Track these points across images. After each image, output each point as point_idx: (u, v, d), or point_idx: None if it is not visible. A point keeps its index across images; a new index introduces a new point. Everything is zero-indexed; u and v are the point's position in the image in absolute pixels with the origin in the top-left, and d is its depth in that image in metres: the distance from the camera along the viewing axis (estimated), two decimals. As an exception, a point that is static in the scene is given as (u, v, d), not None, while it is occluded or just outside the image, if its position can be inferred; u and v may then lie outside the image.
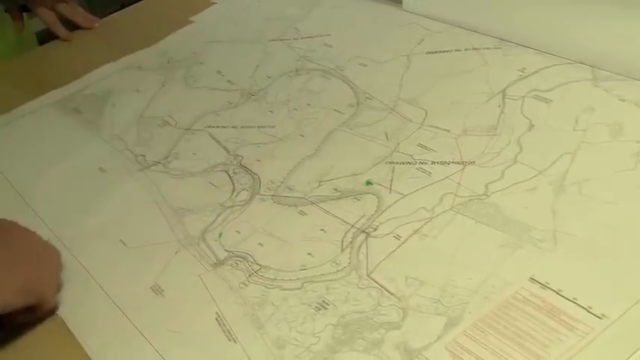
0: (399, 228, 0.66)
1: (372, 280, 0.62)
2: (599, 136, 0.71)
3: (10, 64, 1.12)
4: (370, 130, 0.80)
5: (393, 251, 0.64)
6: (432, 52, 0.90)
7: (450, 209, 0.67)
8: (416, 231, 0.65)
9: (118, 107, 0.94)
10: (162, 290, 0.65)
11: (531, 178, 0.68)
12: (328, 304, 0.60)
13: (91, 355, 0.61)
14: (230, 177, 0.77)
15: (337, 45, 0.97)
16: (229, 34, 1.06)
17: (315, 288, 0.62)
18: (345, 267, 0.63)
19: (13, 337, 0.63)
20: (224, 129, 0.85)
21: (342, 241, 0.66)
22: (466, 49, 0.89)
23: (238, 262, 0.66)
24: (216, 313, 0.62)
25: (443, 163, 0.72)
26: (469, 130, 0.76)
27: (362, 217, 0.68)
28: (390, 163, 0.74)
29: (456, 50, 0.89)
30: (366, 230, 0.66)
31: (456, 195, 0.68)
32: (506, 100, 0.79)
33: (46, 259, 0.68)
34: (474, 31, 0.92)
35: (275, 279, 0.64)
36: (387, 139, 0.77)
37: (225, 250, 0.68)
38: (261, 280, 0.64)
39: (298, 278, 0.63)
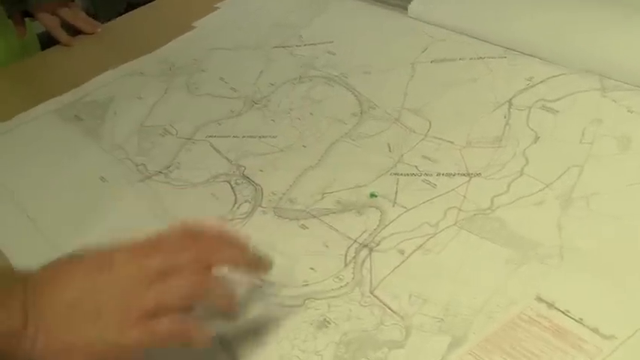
0: (402, 243, 0.65)
1: (375, 297, 0.60)
2: (607, 149, 0.70)
3: (10, 69, 1.11)
4: (373, 141, 0.78)
5: (397, 267, 0.63)
6: (437, 61, 0.89)
7: (454, 224, 0.66)
8: (419, 246, 0.64)
9: (119, 115, 0.93)
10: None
11: (538, 192, 0.67)
12: (329, 322, 0.59)
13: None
14: (232, 188, 0.76)
15: (341, 52, 0.96)
16: (232, 41, 1.05)
17: (317, 305, 0.61)
18: (348, 283, 0.62)
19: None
20: (225, 139, 0.84)
21: (346, 256, 0.65)
22: (471, 58, 0.87)
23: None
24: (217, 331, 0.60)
25: (448, 174, 0.71)
26: (474, 142, 0.75)
27: (364, 231, 0.67)
28: (395, 174, 0.73)
29: (460, 59, 0.88)
30: (369, 245, 0.65)
31: (460, 209, 0.67)
32: (512, 110, 0.78)
33: None
34: (479, 39, 0.90)
35: (277, 295, 0.62)
36: (390, 150, 0.76)
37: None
38: (262, 297, 0.62)
39: (299, 295, 0.62)
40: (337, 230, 0.68)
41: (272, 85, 0.92)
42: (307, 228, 0.69)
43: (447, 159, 0.73)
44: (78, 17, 1.16)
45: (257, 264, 0.58)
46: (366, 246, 0.65)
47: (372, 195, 0.71)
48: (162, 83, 0.98)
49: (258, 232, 0.70)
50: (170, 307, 0.52)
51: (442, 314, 0.58)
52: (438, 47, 0.92)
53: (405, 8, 1.00)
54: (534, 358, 0.53)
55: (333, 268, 0.64)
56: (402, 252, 0.64)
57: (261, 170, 0.78)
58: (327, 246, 0.67)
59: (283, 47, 1.01)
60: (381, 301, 0.60)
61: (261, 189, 0.75)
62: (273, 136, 0.83)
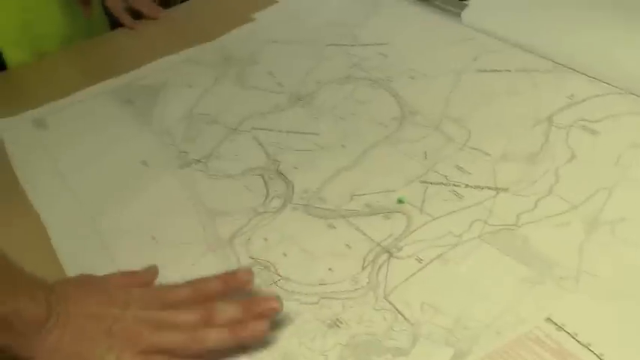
0: (423, 251, 0.66)
1: (389, 302, 0.61)
2: (641, 175, 0.69)
3: (75, 47, 1.15)
4: (411, 147, 0.79)
5: (413, 274, 0.63)
6: (483, 71, 0.89)
7: (478, 237, 0.66)
8: (439, 256, 0.65)
9: (170, 101, 0.95)
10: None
11: (564, 213, 0.67)
12: (341, 323, 0.60)
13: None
14: (265, 182, 0.78)
15: (392, 55, 0.97)
16: (287, 35, 1.07)
17: (331, 305, 0.62)
18: (363, 286, 0.63)
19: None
20: (269, 132, 0.86)
21: (365, 259, 0.66)
22: (517, 70, 0.87)
23: (260, 271, 0.66)
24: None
25: (477, 187, 0.72)
26: (509, 156, 0.75)
27: (390, 235, 0.68)
28: (424, 182, 0.73)
29: (506, 70, 0.88)
30: (390, 250, 0.66)
31: (486, 223, 0.67)
32: (552, 127, 0.77)
33: None
34: (529, 52, 0.90)
35: (293, 292, 0.64)
36: (425, 158, 0.77)
37: (250, 257, 0.68)
38: (279, 292, 0.64)
39: (316, 293, 0.63)
40: (363, 233, 0.69)
41: (318, 82, 0.93)
42: (335, 228, 0.71)
43: (479, 171, 0.74)
44: (141, 1, 1.19)
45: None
46: (387, 251, 0.66)
47: (400, 201, 0.72)
48: (215, 72, 1.00)
49: (286, 227, 0.71)
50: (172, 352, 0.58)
51: (452, 325, 0.58)
52: (487, 57, 0.91)
53: (459, 15, 1.00)
54: (536, 378, 0.54)
55: (352, 270, 0.65)
56: (420, 260, 0.65)
57: (295, 167, 0.79)
58: (349, 247, 0.68)
59: (336, 45, 1.02)
60: (394, 306, 0.61)
61: (293, 185, 0.76)
62: (316, 134, 0.85)
